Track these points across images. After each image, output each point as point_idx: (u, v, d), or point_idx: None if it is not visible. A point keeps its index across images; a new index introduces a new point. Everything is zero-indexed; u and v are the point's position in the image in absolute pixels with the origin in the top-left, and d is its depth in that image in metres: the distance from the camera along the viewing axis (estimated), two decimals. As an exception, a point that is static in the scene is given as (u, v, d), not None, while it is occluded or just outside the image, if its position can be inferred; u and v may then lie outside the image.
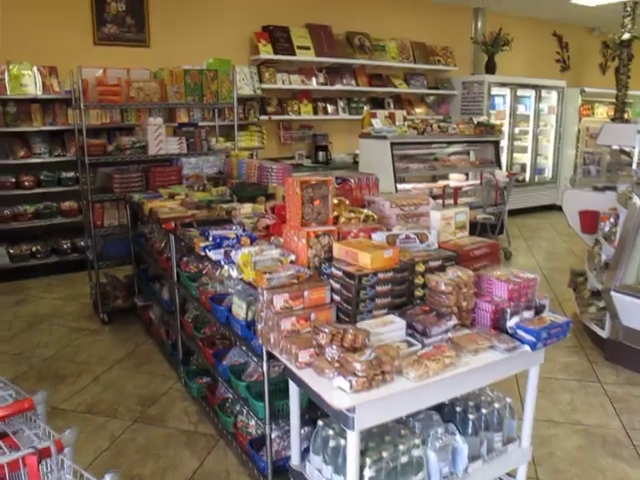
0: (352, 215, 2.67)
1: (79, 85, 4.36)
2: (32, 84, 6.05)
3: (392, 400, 1.88)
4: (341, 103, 8.28)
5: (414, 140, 6.88)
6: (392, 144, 6.59)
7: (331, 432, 2.16)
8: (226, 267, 2.53)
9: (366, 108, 8.29)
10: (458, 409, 2.34)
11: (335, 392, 1.84)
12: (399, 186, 6.84)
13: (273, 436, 2.65)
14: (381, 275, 2.19)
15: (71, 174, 6.30)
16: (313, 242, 2.38)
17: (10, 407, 1.46)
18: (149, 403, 3.57)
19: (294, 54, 7.45)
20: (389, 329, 2.13)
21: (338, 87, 8.07)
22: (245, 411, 2.85)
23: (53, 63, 6.15)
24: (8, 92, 5.96)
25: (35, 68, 6.05)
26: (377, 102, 8.57)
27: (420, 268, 2.30)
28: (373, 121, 6.85)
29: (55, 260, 6.43)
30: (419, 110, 9.10)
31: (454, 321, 2.16)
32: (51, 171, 6.36)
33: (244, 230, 2.96)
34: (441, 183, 7.50)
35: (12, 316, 5.24)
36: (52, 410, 3.52)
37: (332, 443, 2.15)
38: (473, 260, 2.53)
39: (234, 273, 2.46)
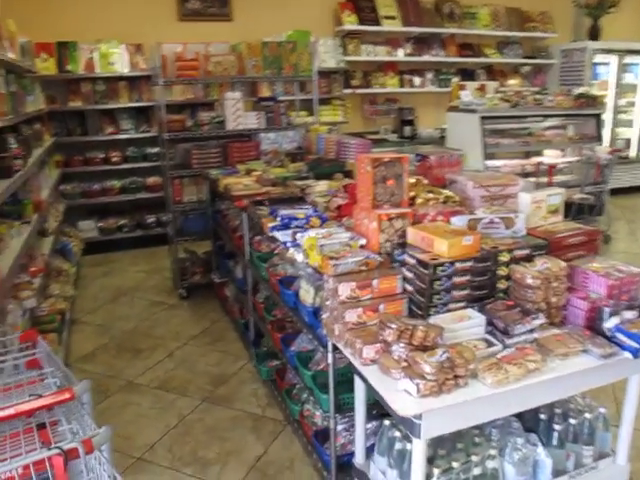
0: (430, 196, 2.44)
1: (158, 61, 4.33)
2: (120, 62, 6.16)
3: (465, 408, 1.66)
4: (429, 75, 7.88)
5: (506, 114, 6.39)
6: (481, 118, 6.15)
7: (397, 434, 1.98)
8: (292, 250, 2.39)
9: (455, 80, 7.83)
10: (542, 417, 2.09)
11: (400, 395, 1.65)
12: (488, 162, 6.42)
13: (339, 429, 2.51)
14: (459, 265, 1.96)
15: (155, 150, 6.39)
16: (385, 226, 2.18)
17: (49, 397, 1.39)
18: (219, 383, 3.54)
19: (379, 24, 7.14)
20: (466, 325, 1.91)
21: (426, 58, 7.67)
22: (312, 400, 2.72)
23: (140, 41, 6.22)
24: (97, 70, 6.11)
25: (123, 46, 6.15)
26: (467, 73, 8.09)
27: (504, 257, 2.05)
28: (462, 93, 6.43)
29: (140, 234, 6.59)
30: (513, 82, 8.49)
31: (541, 319, 1.89)
32: (137, 147, 6.50)
33: (315, 210, 2.79)
34: (535, 160, 6.98)
35: (99, 288, 5.42)
36: (127, 384, 3.57)
37: (398, 446, 1.97)
38: (566, 249, 2.24)
39: (299, 257, 2.31)
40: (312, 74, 4.84)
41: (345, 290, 1.99)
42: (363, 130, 7.67)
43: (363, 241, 2.23)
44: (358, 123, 7.71)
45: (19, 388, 1.61)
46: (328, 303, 2.08)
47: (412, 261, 2.02)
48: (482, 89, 6.65)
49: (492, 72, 8.34)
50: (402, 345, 1.73)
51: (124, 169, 6.47)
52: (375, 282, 2.02)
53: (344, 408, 2.38)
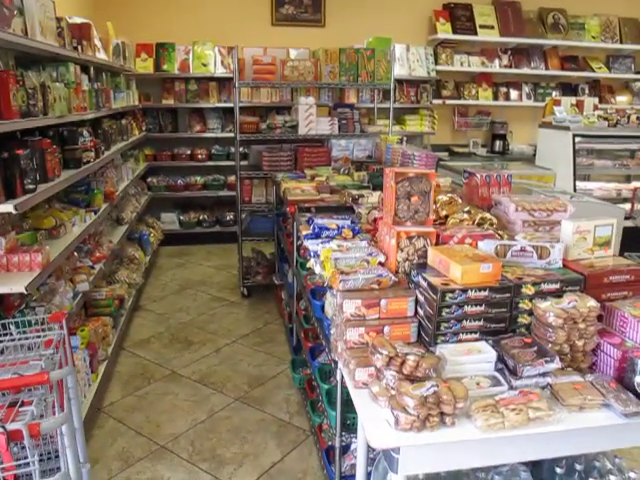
0: (465, 217, 2.31)
1: (235, 64, 4.45)
2: (212, 63, 6.40)
3: (450, 449, 1.55)
4: (526, 88, 7.51)
5: (603, 133, 5.96)
6: (574, 136, 5.78)
7: (391, 464, 1.88)
8: (312, 260, 2.34)
9: (555, 94, 7.43)
10: (558, 471, 1.90)
11: (382, 425, 1.57)
12: (580, 184, 6.01)
13: (352, 448, 2.43)
14: (472, 293, 1.83)
15: (239, 149, 6.55)
16: (404, 244, 2.09)
17: (24, 378, 1.45)
18: (256, 384, 3.57)
19: (475, 33, 6.90)
20: (473, 359, 1.78)
21: (524, 70, 7.32)
22: (331, 415, 2.67)
23: (233, 43, 6.40)
24: (191, 71, 6.38)
25: (216, 48, 6.39)
26: (569, 88, 7.63)
27: (528, 290, 1.89)
28: (556, 109, 6.07)
29: (218, 230, 6.80)
30: (622, 98, 7.92)
31: (556, 364, 1.72)
32: (222, 146, 6.72)
33: (353, 222, 2.73)
34: (635, 185, 6.44)
35: (170, 278, 5.65)
36: (170, 374, 3.69)
37: (390, 477, 1.87)
38: (608, 288, 2.02)
39: (317, 269, 2.26)
40: (389, 82, 4.76)
41: (350, 307, 1.92)
42: (451, 142, 7.47)
43: (382, 258, 2.15)
44: (446, 135, 7.51)
45: (12, 366, 1.69)
46: (335, 318, 2.02)
47: (424, 284, 1.91)
48: (579, 105, 6.23)
49: (598, 87, 7.81)
50: (391, 373, 1.64)
51: (208, 166, 6.72)
52: (384, 302, 1.93)
53: (353, 428, 2.30)
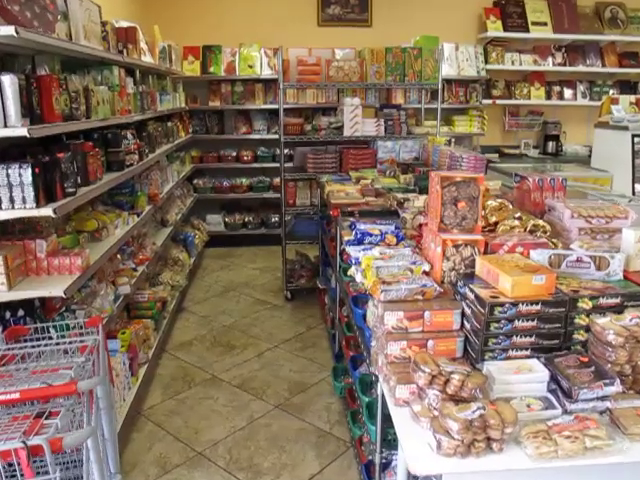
0: (516, 223, 2.17)
1: (280, 65, 4.40)
2: (258, 65, 6.38)
3: (497, 478, 1.43)
4: (581, 87, 7.19)
5: (665, 134, 5.63)
6: (634, 136, 5.48)
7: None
8: (353, 268, 2.25)
9: (612, 92, 7.08)
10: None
11: (423, 448, 1.46)
12: (640, 188, 5.71)
13: (393, 465, 2.33)
14: (523, 307, 1.70)
15: (284, 151, 6.52)
16: (451, 252, 1.97)
17: (51, 389, 1.42)
18: (297, 391, 3.49)
19: (527, 31, 6.64)
20: (524, 379, 1.65)
21: (579, 68, 7.00)
22: (371, 428, 2.56)
23: (279, 45, 6.38)
24: (237, 73, 6.38)
25: (262, 50, 6.37)
26: (627, 86, 7.25)
27: (585, 304, 1.74)
28: (613, 108, 5.78)
29: (263, 232, 6.78)
30: (686, 97, 7.48)
31: (617, 387, 1.57)
32: (267, 147, 6.70)
33: (397, 227, 2.62)
34: (700, 188, 6.06)
35: (214, 280, 5.65)
36: (211, 378, 3.66)
37: (433, 501, 1.76)
38: (676, 303, 1.85)
39: (358, 277, 2.17)
40: (437, 82, 4.61)
41: (391, 319, 1.82)
42: (501, 144, 7.24)
43: (427, 267, 2.03)
44: (496, 136, 7.27)
45: (43, 373, 1.67)
46: (376, 330, 1.93)
47: (471, 296, 1.79)
48: (639, 104, 5.92)
49: (660, 86, 7.41)
50: (434, 392, 1.54)
51: (253, 168, 6.71)
52: (427, 314, 1.82)
53: (394, 443, 2.19)
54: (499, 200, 2.26)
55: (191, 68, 6.36)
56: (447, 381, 1.55)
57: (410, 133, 4.90)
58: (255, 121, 6.71)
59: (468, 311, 1.81)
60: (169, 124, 5.11)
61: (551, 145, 7.22)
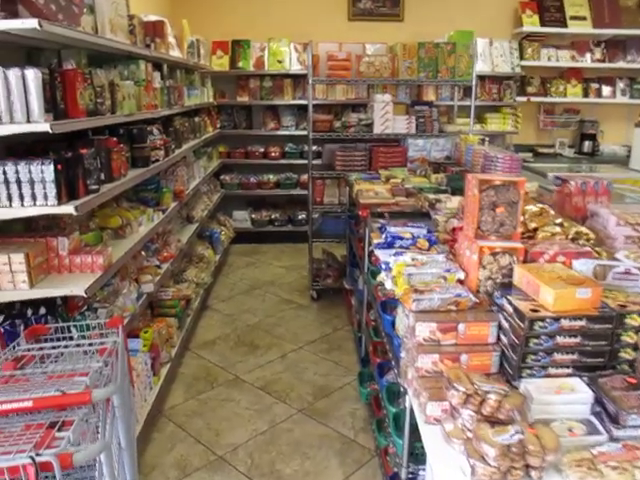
0: (557, 230, 2.04)
1: (309, 60, 4.31)
2: (287, 60, 6.29)
3: (536, 508, 1.32)
4: (620, 84, 6.92)
5: None
6: (676, 137, 5.25)
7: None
8: (383, 274, 2.15)
9: (654, 91, 6.82)
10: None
11: (455, 472, 1.36)
12: (681, 191, 5.47)
13: (419, 479, 2.22)
14: (566, 322, 1.59)
15: (314, 147, 6.42)
16: (487, 260, 1.85)
17: (64, 398, 1.36)
18: (321, 395, 3.41)
19: (565, 26, 6.41)
20: (565, 399, 1.54)
21: (619, 64, 6.74)
22: (398, 439, 2.46)
23: (309, 39, 6.29)
24: (266, 68, 6.30)
25: (292, 45, 6.28)
26: (671, 84, 6.98)
27: (634, 321, 1.62)
28: (656, 107, 5.55)
29: (290, 229, 6.70)
30: None
31: (669, 412, 1.45)
32: (295, 144, 6.61)
33: (429, 230, 2.51)
34: None
35: (239, 277, 5.60)
36: (234, 379, 3.60)
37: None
38: None
39: (388, 284, 2.07)
40: (471, 78, 4.46)
41: (423, 331, 1.71)
42: (535, 142, 7.03)
43: (461, 275, 1.92)
44: (530, 134, 7.06)
45: (60, 378, 1.61)
46: (406, 341, 1.83)
47: (509, 308, 1.68)
48: (683, 103, 5.67)
49: None
50: (469, 413, 1.43)
51: (281, 164, 6.63)
52: (462, 326, 1.71)
53: (421, 458, 2.09)
54: (539, 205, 2.13)
55: (220, 63, 6.30)
56: (483, 401, 1.45)
57: (442, 131, 4.77)
58: (283, 117, 6.62)
59: (505, 324, 1.70)
60: (196, 119, 5.06)
61: (587, 145, 6.99)
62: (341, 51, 4.51)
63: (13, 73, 2.10)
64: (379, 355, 2.88)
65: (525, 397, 1.49)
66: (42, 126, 2.08)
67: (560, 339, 1.59)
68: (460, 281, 1.91)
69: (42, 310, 2.40)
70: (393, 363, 2.32)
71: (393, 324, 2.38)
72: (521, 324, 1.59)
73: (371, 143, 4.78)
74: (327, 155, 5.06)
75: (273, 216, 6.74)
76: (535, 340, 1.59)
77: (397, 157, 4.67)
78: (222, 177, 6.57)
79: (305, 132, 6.44)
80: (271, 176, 6.66)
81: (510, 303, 1.68)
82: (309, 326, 4.43)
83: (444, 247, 2.30)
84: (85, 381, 1.51)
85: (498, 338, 1.73)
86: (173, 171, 4.16)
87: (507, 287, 1.81)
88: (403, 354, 1.86)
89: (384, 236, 2.44)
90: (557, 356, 1.61)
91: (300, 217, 6.66)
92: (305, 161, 6.41)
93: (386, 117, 4.55)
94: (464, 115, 5.72)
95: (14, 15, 2.13)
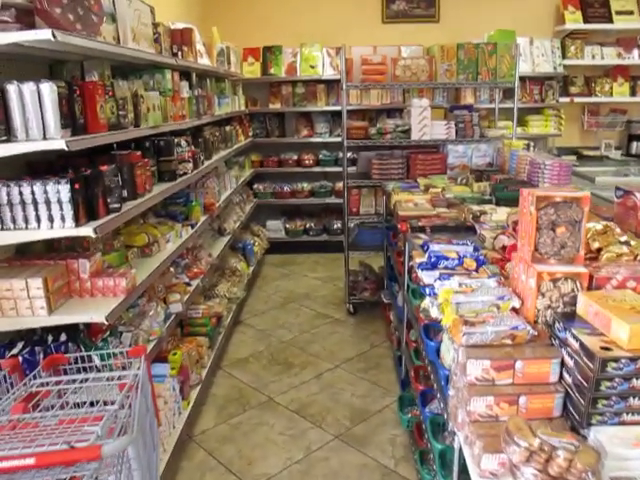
0: (623, 250, 1.80)
1: (342, 65, 4.14)
2: (320, 65, 6.13)
3: None
4: (672, 81, 6.55)
5: None
6: None
7: None
8: (427, 300, 1.94)
9: None
10: None
11: None
12: None
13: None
14: (645, 363, 1.36)
15: (348, 154, 6.23)
16: (547, 287, 1.63)
17: (70, 454, 1.20)
18: (359, 419, 3.21)
19: (611, 21, 6.08)
20: (646, 454, 1.31)
21: (670, 61, 6.38)
22: (444, 477, 2.25)
23: (342, 44, 6.13)
24: (298, 74, 6.16)
25: (324, 50, 6.11)
26: None
27: None
28: None
29: (325, 239, 6.52)
30: None
31: None
32: (329, 151, 6.44)
33: (476, 248, 2.29)
34: None
35: (273, 290, 5.45)
36: (267, 401, 3.44)
37: None
38: None
39: (434, 311, 1.86)
40: (513, 80, 4.21)
41: (476, 369, 1.51)
42: (580, 145, 6.70)
43: (516, 303, 1.71)
44: (574, 136, 6.73)
45: (71, 424, 1.46)
46: (455, 379, 1.62)
47: (575, 344, 1.46)
48: None
49: None
50: (532, 472, 1.22)
51: (315, 172, 6.47)
52: (519, 364, 1.50)
53: (472, 506, 1.87)
54: (604, 223, 1.89)
55: (251, 70, 6.18)
56: (549, 458, 1.23)
57: (483, 136, 4.52)
58: (317, 123, 6.45)
59: (570, 362, 1.48)
60: (227, 128, 4.94)
61: (636, 146, 6.63)
62: (376, 54, 4.32)
63: (27, 88, 1.98)
64: (421, 381, 2.67)
65: (599, 453, 1.27)
66: (58, 143, 1.96)
67: (637, 382, 1.36)
68: (515, 310, 1.70)
69: (63, 337, 2.27)
70: (438, 395, 2.10)
71: (438, 351, 2.17)
72: (590, 364, 1.37)
73: (408, 150, 4.57)
74: (362, 163, 4.86)
75: (308, 225, 6.58)
76: (607, 383, 1.36)
77: (436, 164, 4.44)
78: (255, 186, 6.44)
79: (339, 139, 6.27)
80: (305, 184, 6.50)
81: (575, 338, 1.46)
82: (345, 342, 4.24)
83: (494, 268, 2.08)
84: (97, 431, 1.35)
85: (561, 377, 1.52)
86: (203, 183, 4.04)
87: (570, 318, 1.59)
88: (452, 392, 1.65)
89: (427, 256, 2.23)
90: (633, 401, 1.38)
91: (335, 226, 6.47)
92: (340, 168, 6.24)
93: (424, 122, 4.33)
94: (504, 118, 5.46)
95: (31, 27, 2.02)
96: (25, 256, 2.40)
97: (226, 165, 5.14)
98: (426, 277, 2.14)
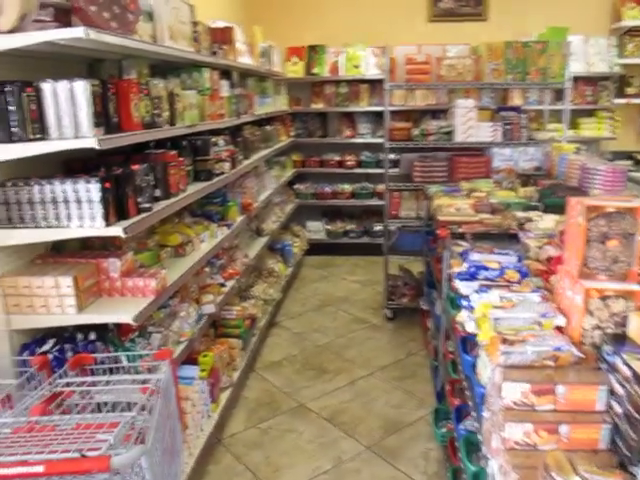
0: (683, 266, 1.65)
1: (386, 64, 4.03)
2: (364, 65, 6.03)
3: None
4: None
5: None
6: None
7: None
8: (463, 313, 1.83)
9: None
10: None
11: None
12: None
13: None
14: None
15: (391, 156, 6.12)
16: (596, 305, 1.50)
17: (77, 463, 1.15)
18: (392, 430, 3.11)
19: (674, 17, 5.77)
20: None
21: None
22: (478, 499, 2.13)
23: (387, 43, 6.01)
24: (342, 73, 6.08)
25: (369, 49, 6.01)
26: None
27: None
28: None
29: (366, 241, 6.43)
30: None
31: None
32: (372, 152, 6.33)
33: (519, 258, 2.16)
34: None
35: (311, 292, 5.38)
36: (298, 407, 3.37)
37: None
38: None
39: (470, 326, 1.75)
40: (564, 80, 4.01)
41: (513, 392, 1.40)
42: (636, 149, 6.38)
43: (561, 321, 1.58)
44: (630, 140, 6.42)
45: (87, 429, 1.41)
46: (491, 400, 1.51)
47: (626, 371, 1.33)
48: None
49: None
50: (574, 514, 1.11)
51: (357, 173, 6.38)
52: (562, 389, 1.38)
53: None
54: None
55: (294, 69, 6.13)
56: (594, 501, 1.12)
57: (531, 139, 4.34)
58: (359, 124, 6.36)
59: (619, 389, 1.35)
60: (268, 128, 4.90)
61: (698, 150, 6.27)
62: (420, 53, 4.20)
63: (62, 86, 1.96)
64: (457, 395, 2.54)
65: (652, 497, 1.15)
66: (90, 141, 1.93)
67: (698, 417, 1.23)
68: (559, 329, 1.57)
69: (92, 335, 2.26)
70: (473, 413, 1.99)
71: (474, 366, 2.05)
72: (643, 395, 1.24)
73: (452, 152, 4.42)
74: (405, 165, 4.74)
75: (348, 227, 6.49)
76: (663, 417, 1.23)
77: (480, 168, 4.29)
78: (296, 186, 6.40)
79: (382, 140, 6.16)
80: (346, 186, 6.42)
81: (626, 364, 1.33)
82: (382, 349, 4.13)
83: (538, 281, 1.95)
84: (110, 439, 1.31)
85: (609, 405, 1.39)
86: (241, 183, 4.00)
87: (620, 340, 1.45)
88: (486, 414, 1.54)
89: (466, 265, 2.12)
90: (692, 438, 1.24)
91: (376, 229, 6.36)
92: (382, 170, 6.13)
93: (469, 124, 4.18)
94: (554, 120, 5.24)
95: (68, 26, 2.00)
96: (59, 254, 2.40)
97: (266, 165, 5.10)
98: (464, 288, 2.03)
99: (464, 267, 2.14)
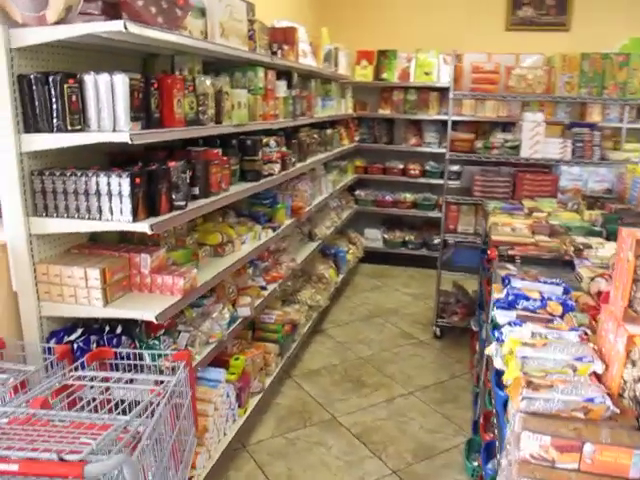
0: None
1: (451, 72, 3.87)
2: (435, 72, 5.86)
3: None
4: None
5: None
6: None
7: None
8: (493, 346, 1.68)
9: None
10: None
11: None
12: None
13: None
14: None
15: (455, 168, 5.92)
16: (639, 355, 1.32)
17: (53, 466, 1.11)
18: (423, 456, 2.95)
19: None
20: None
21: None
22: None
23: (460, 51, 5.81)
24: (411, 79, 5.93)
25: (441, 56, 5.83)
26: None
27: None
28: None
29: (424, 254, 6.23)
30: None
31: None
32: (437, 162, 6.13)
33: (565, 290, 1.98)
34: None
35: (361, 301, 5.27)
36: (330, 419, 3.28)
37: None
38: None
39: (497, 361, 1.60)
40: (646, 97, 3.71)
41: (532, 443, 1.25)
42: None
43: (599, 368, 1.41)
44: None
45: (90, 429, 1.38)
46: (509, 448, 1.36)
47: (665, 435, 1.15)
48: None
49: None
50: None
51: (420, 183, 6.20)
52: (590, 447, 1.22)
53: None
54: None
55: (363, 73, 6.04)
56: None
57: (604, 158, 4.04)
58: (426, 132, 6.17)
59: (658, 455, 1.18)
60: (329, 131, 4.82)
61: None
62: (489, 62, 4.00)
63: (102, 79, 1.96)
64: (489, 429, 2.37)
65: None
66: (123, 136, 1.92)
67: None
68: (596, 376, 1.40)
69: (118, 329, 2.26)
70: (498, 456, 1.83)
71: (506, 403, 1.89)
72: (682, 466, 1.07)
73: (517, 168, 4.20)
74: (466, 178, 4.55)
75: (407, 238, 6.31)
76: (703, 495, 1.05)
77: (546, 186, 4.06)
78: (357, 192, 6.30)
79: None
80: (408, 195, 6.25)
81: (668, 427, 1.15)
82: (425, 368, 3.97)
83: (583, 317, 1.76)
84: (92, 444, 1.26)
85: (644, 471, 1.21)
86: (294, 186, 3.95)
87: (666, 397, 1.27)
88: (504, 462, 1.39)
89: (506, 292, 1.96)
90: None
91: (436, 241, 6.13)
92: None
93: (536, 139, 3.95)
94: (633, 140, 4.87)
95: (115, 19, 2.00)
96: (96, 244, 2.42)
97: (325, 168, 5.03)
98: (500, 317, 1.87)
99: (503, 293, 1.98)
